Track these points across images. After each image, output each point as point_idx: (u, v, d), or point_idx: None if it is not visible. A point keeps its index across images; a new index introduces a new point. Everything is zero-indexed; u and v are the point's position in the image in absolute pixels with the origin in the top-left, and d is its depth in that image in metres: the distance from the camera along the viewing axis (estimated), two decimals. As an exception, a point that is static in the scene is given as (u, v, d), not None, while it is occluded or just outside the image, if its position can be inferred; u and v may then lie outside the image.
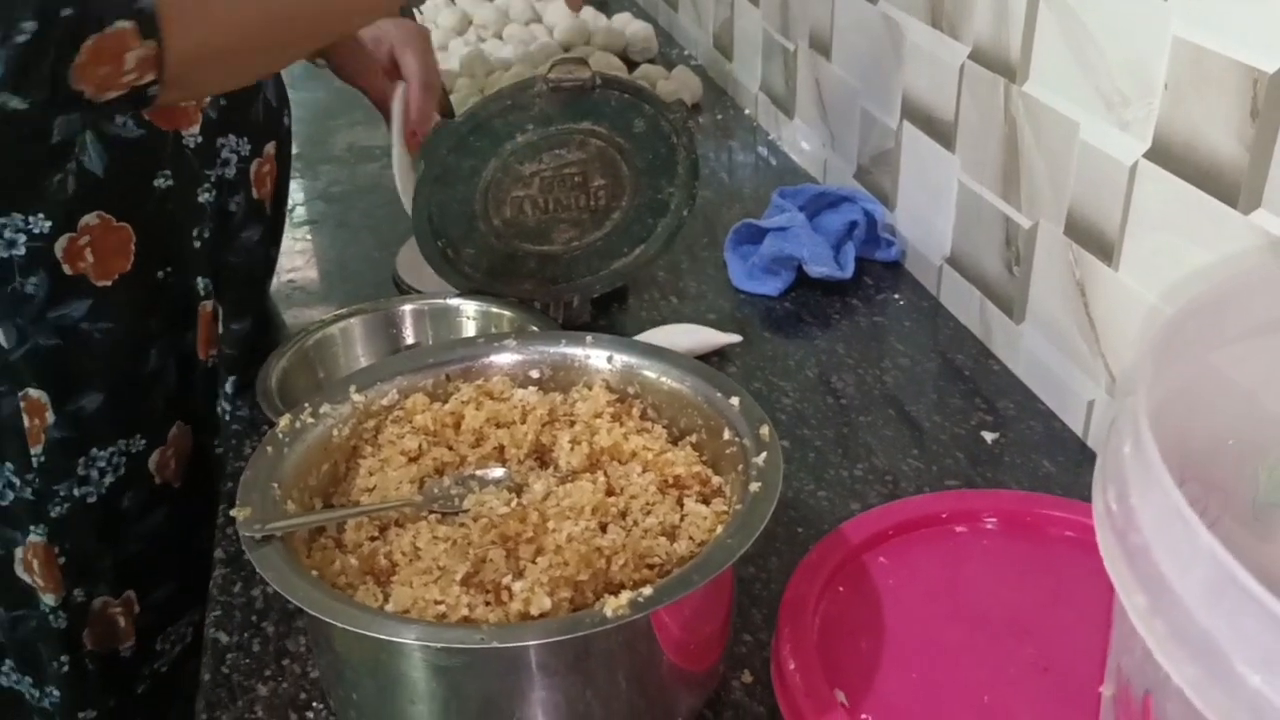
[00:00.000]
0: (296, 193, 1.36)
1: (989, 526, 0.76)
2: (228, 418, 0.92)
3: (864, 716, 0.62)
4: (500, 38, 1.78)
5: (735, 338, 1.00)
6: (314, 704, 0.66)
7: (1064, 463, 0.86)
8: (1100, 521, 0.37)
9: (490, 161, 0.91)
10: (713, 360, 0.97)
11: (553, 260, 0.98)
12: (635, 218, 0.98)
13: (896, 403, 0.94)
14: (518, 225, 0.95)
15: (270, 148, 0.93)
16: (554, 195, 0.94)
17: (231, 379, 0.93)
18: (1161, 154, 0.75)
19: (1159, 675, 0.31)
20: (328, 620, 0.54)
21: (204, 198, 0.86)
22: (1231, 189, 0.69)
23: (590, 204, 0.96)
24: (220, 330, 0.91)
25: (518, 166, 0.92)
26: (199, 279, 0.88)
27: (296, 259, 1.20)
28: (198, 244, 0.86)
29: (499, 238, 0.95)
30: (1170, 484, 0.32)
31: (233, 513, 0.59)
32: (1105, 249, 0.82)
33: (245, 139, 0.89)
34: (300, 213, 1.31)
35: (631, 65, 1.67)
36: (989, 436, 0.89)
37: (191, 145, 0.83)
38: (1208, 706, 0.29)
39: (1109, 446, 0.39)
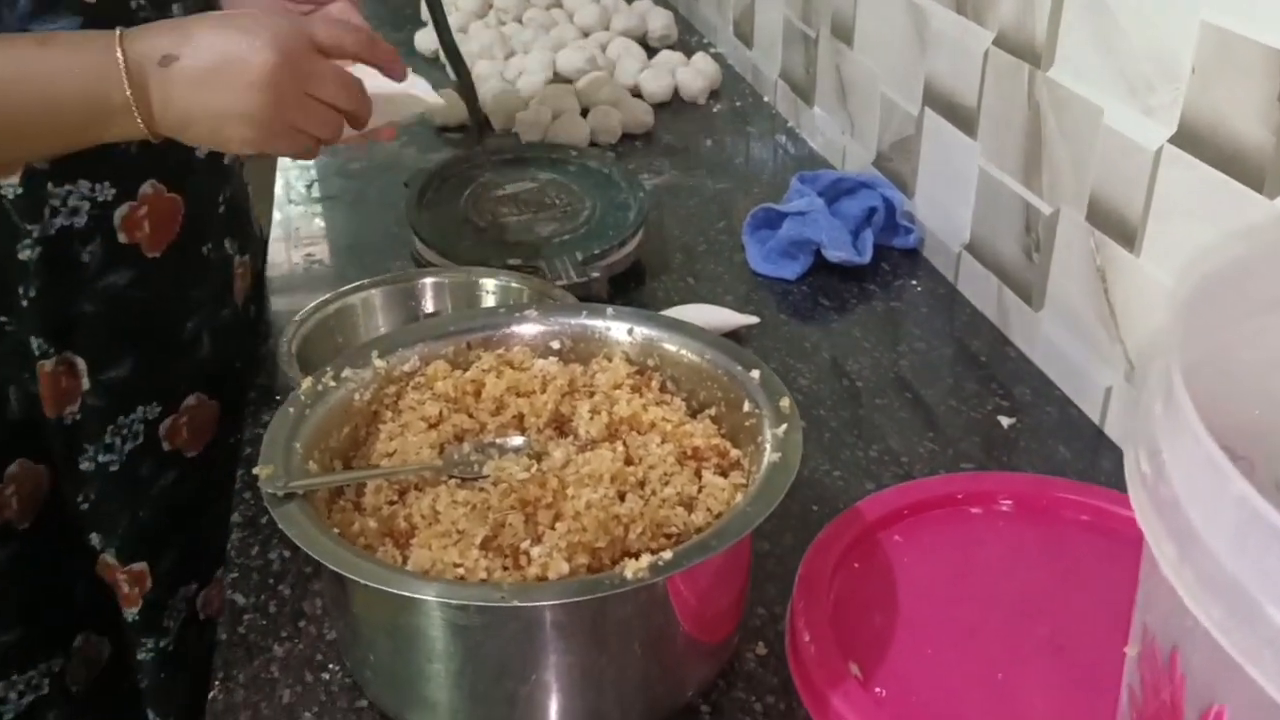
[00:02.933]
0: (312, 169, 1.36)
1: (1004, 509, 0.76)
2: (93, 467, 0.87)
3: (877, 690, 0.62)
4: (520, 21, 1.78)
5: (752, 319, 1.00)
6: (330, 665, 0.66)
7: (1080, 449, 0.86)
8: (1132, 481, 0.37)
9: (464, 191, 1.14)
10: (729, 341, 0.97)
11: (545, 243, 1.07)
12: (609, 216, 1.11)
13: (911, 387, 0.94)
14: (502, 225, 1.10)
15: (149, 188, 0.84)
16: (525, 202, 1.13)
17: (109, 426, 0.87)
18: (1186, 139, 0.75)
19: (1185, 626, 0.31)
20: (349, 576, 0.54)
21: (25, 255, 0.79)
22: (1257, 174, 0.69)
23: (560, 207, 1.13)
24: (87, 384, 0.84)
25: (488, 192, 1.15)
26: (33, 338, 0.81)
27: (315, 235, 1.20)
28: (25, 302, 0.80)
29: (488, 233, 1.08)
30: (1202, 431, 0.32)
31: (255, 470, 0.60)
32: (1127, 235, 0.82)
33: (106, 183, 0.81)
34: (318, 189, 1.31)
35: (651, 52, 1.67)
36: (1005, 421, 0.89)
37: (10, 196, 0.77)
38: (1234, 647, 0.29)
39: (1139, 410, 0.39)
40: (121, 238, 0.83)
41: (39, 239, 0.79)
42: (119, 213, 0.82)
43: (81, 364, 0.84)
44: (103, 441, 0.87)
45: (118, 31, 0.68)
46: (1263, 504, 0.29)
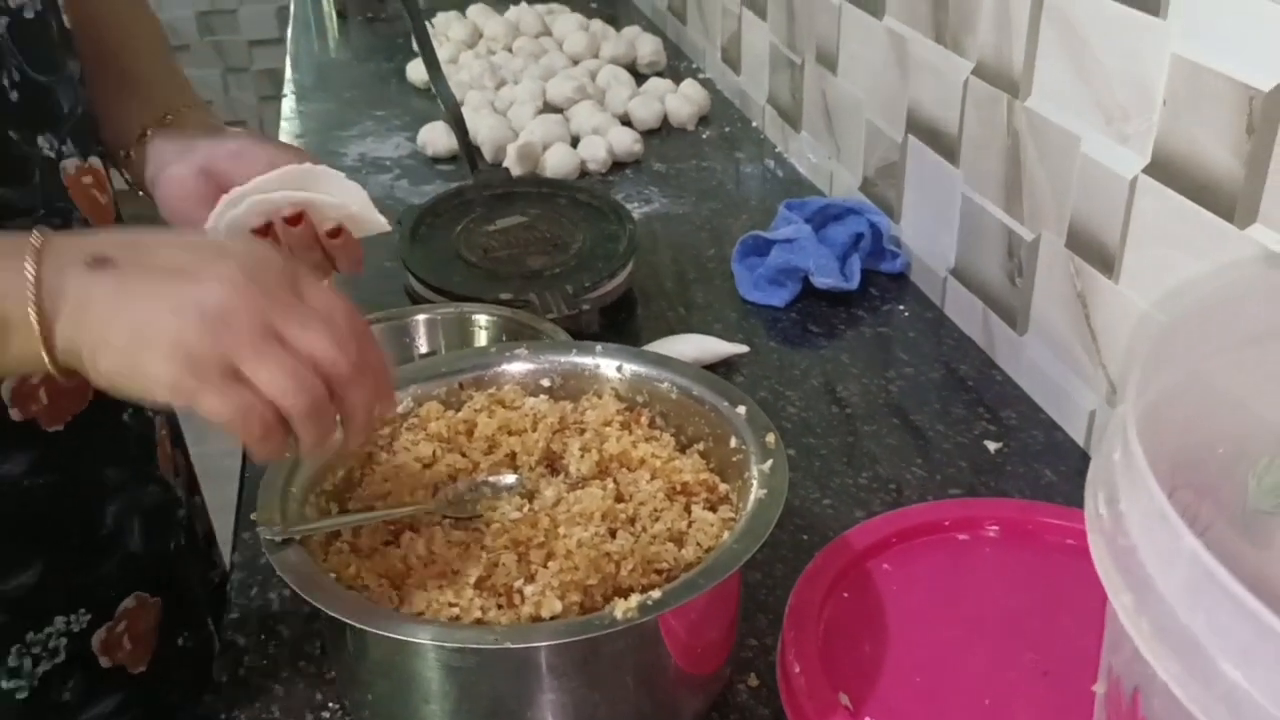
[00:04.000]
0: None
1: (991, 534, 0.77)
2: None
3: (867, 719, 0.63)
4: (510, 50, 1.80)
5: (742, 348, 1.01)
6: (329, 704, 0.67)
7: (1065, 472, 0.87)
8: (1091, 525, 0.38)
9: (456, 227, 1.15)
10: (719, 370, 0.98)
11: (537, 276, 1.08)
12: (599, 247, 1.12)
13: (901, 412, 0.95)
14: (494, 259, 1.11)
15: None
16: (515, 236, 1.15)
17: None
18: (1160, 168, 0.76)
19: (1146, 672, 0.32)
20: (345, 621, 0.55)
21: None
22: (1228, 204, 0.70)
23: (550, 239, 1.14)
24: None
25: (479, 227, 1.16)
26: None
27: (310, 269, 1.22)
28: None
29: (479, 266, 1.09)
30: (1155, 488, 0.33)
31: (253, 516, 0.61)
32: (1106, 261, 0.83)
33: None
34: (313, 223, 1.32)
35: (640, 78, 1.69)
36: (992, 446, 0.90)
37: None
38: (1189, 700, 0.30)
39: (1101, 453, 0.40)
40: (14, 414, 0.67)
41: None
42: (7, 383, 0.67)
43: None
44: (5, 665, 0.70)
45: (35, 232, 0.53)
46: (1213, 562, 0.30)
